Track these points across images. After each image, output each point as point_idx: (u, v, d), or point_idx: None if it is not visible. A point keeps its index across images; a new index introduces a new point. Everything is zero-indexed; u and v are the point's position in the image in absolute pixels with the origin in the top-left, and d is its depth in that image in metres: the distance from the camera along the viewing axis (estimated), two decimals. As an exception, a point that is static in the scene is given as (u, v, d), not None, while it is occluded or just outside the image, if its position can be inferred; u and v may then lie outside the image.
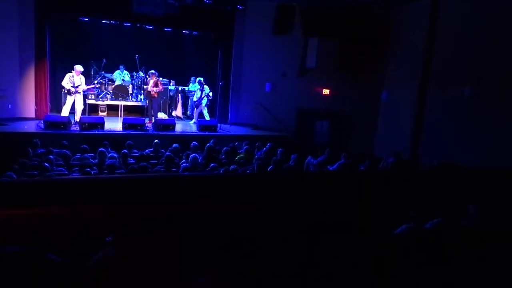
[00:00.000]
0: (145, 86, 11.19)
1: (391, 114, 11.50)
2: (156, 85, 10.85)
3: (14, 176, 5.34)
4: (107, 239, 0.51)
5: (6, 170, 5.65)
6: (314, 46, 11.88)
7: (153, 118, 10.99)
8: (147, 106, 11.46)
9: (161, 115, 11.84)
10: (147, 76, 11.37)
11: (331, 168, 7.10)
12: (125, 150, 7.61)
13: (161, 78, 11.35)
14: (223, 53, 12.90)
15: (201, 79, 11.67)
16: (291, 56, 12.42)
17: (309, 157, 7.81)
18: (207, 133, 10.51)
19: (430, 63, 10.06)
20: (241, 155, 8.07)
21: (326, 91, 12.59)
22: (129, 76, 12.46)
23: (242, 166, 7.15)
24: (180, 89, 12.95)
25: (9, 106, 10.41)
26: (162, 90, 11.40)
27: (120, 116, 11.48)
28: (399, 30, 11.35)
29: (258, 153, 8.34)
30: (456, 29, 9.31)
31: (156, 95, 10.97)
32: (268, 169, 6.61)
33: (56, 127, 9.35)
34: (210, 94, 11.69)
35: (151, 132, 10.04)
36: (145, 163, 6.62)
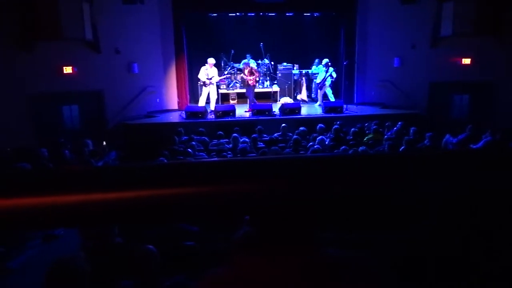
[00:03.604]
0: (241, 75, 11.60)
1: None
2: (251, 73, 11.04)
3: (165, 161, 6.14)
4: (246, 217, 0.57)
5: (158, 156, 6.54)
6: (449, 10, 10.69)
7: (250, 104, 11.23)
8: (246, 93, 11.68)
9: (286, 100, 12.10)
10: (272, 63, 11.72)
11: (474, 147, 6.37)
12: (255, 135, 8.07)
13: (255, 64, 11.74)
14: (346, 31, 12.49)
15: (327, 60, 11.46)
16: (422, 25, 11.38)
17: (447, 136, 7.15)
18: (333, 114, 10.40)
19: None
20: (370, 135, 7.80)
21: (465, 61, 11.24)
22: (256, 64, 13.03)
23: (372, 147, 6.91)
24: (303, 72, 13.03)
25: (157, 100, 11.90)
26: (259, 77, 11.57)
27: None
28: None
29: (389, 133, 7.95)
30: None
31: (253, 83, 11.09)
32: (400, 149, 6.26)
33: (195, 116, 10.36)
34: (334, 74, 11.44)
35: (278, 117, 10.38)
36: (276, 147, 6.92)
